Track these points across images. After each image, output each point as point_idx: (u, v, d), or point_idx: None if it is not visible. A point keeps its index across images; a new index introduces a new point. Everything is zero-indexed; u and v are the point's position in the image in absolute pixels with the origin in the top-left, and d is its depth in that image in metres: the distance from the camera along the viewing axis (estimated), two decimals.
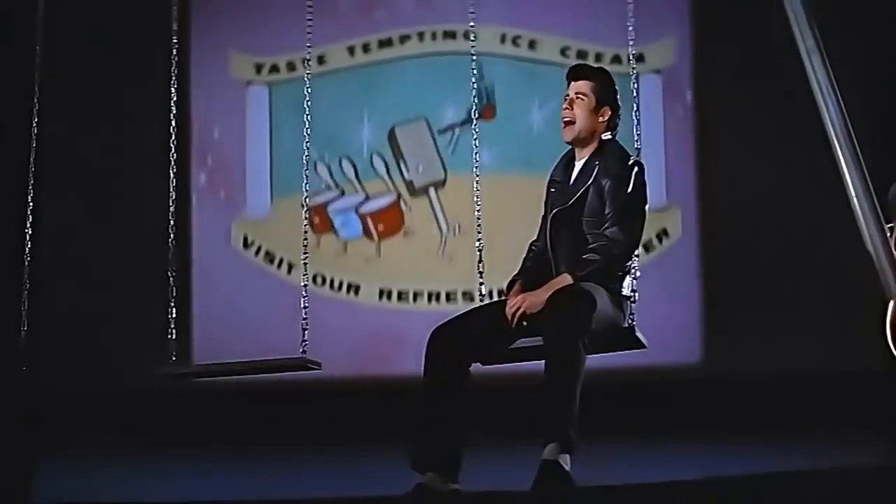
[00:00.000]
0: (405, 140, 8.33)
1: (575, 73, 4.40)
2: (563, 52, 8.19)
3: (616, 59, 7.86)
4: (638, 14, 4.52)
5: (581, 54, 8.13)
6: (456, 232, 8.16)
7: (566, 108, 4.33)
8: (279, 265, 8.24)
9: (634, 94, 4.43)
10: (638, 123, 4.37)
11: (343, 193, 8.30)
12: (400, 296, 8.18)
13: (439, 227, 8.26)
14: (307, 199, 4.67)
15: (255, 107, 8.44)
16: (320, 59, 8.19)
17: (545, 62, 8.16)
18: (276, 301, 7.94)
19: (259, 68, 8.43)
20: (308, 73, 4.80)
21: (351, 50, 8.39)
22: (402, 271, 8.18)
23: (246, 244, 8.35)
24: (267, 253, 8.30)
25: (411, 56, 8.40)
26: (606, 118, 4.34)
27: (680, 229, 7.98)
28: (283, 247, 8.21)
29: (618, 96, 4.38)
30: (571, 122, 4.31)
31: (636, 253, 4.25)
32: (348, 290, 8.22)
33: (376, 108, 8.37)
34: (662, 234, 7.95)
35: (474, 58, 4.61)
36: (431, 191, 8.28)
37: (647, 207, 4.26)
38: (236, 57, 8.41)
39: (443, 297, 8.10)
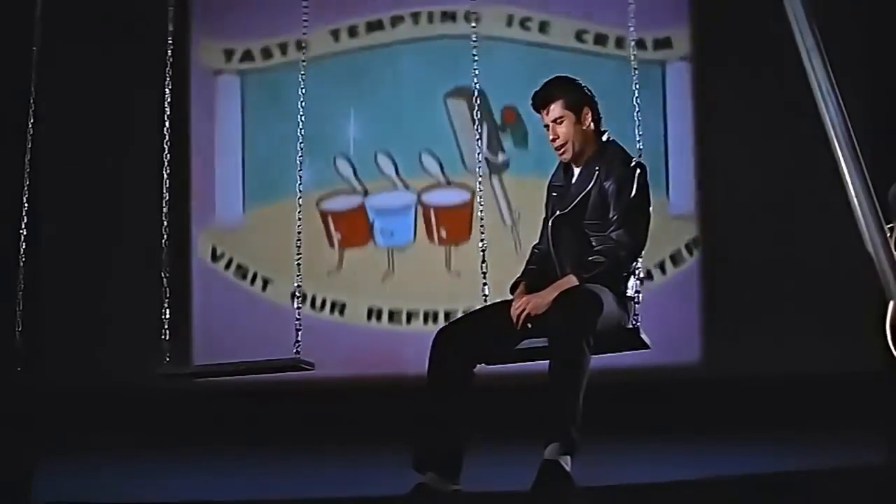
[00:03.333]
0: (460, 113, 7.29)
1: (540, 101, 4.30)
2: (579, 36, 7.41)
3: (640, 44, 6.95)
4: None
5: (599, 38, 7.36)
6: (517, 222, 7.28)
7: (553, 138, 4.28)
8: (252, 281, 7.47)
9: (635, 91, 4.38)
10: (639, 125, 4.33)
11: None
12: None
13: (503, 219, 7.37)
14: (300, 200, 4.47)
15: (224, 99, 7.57)
16: (299, 45, 7.12)
17: (558, 48, 7.40)
18: (267, 318, 7.50)
19: (229, 55, 7.59)
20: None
21: (335, 34, 7.54)
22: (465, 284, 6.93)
23: (214, 257, 7.55)
24: (239, 267, 7.53)
25: (405, 41, 7.60)
26: (591, 118, 4.30)
27: None
28: (257, 259, 7.43)
29: (584, 88, 4.32)
30: (564, 144, 4.28)
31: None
32: (388, 317, 7.50)
33: (364, 102, 7.56)
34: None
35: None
36: (495, 179, 7.33)
37: (650, 209, 4.26)
38: (204, 42, 7.56)
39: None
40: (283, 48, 7.69)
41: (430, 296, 7.63)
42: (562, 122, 4.27)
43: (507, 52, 7.39)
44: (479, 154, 4.57)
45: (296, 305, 4.37)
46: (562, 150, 4.29)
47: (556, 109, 4.27)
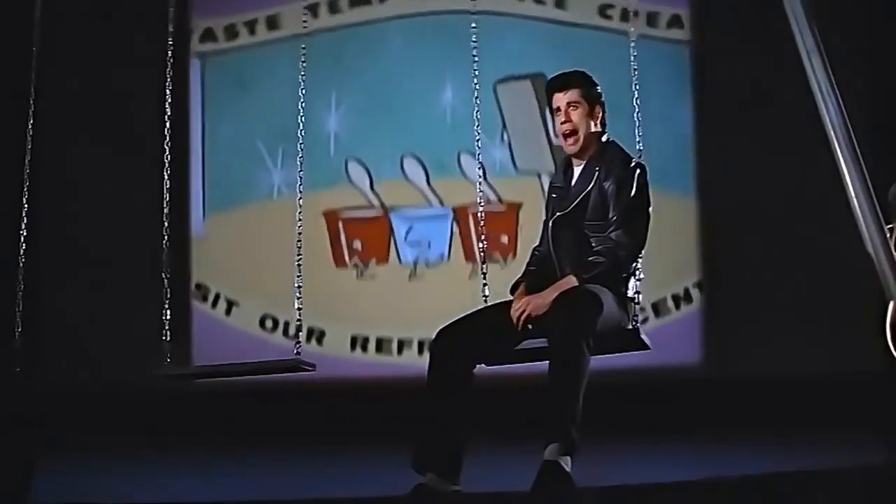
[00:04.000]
0: (509, 103, 6.28)
1: (561, 85, 4.33)
2: (603, 11, 6.56)
3: (675, 21, 6.63)
4: None
5: (627, 15, 6.41)
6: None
7: (565, 122, 4.29)
8: (214, 304, 6.58)
9: (635, 92, 4.39)
10: (639, 125, 4.33)
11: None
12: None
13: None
14: (301, 202, 4.37)
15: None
16: (271, 23, 6.50)
17: (577, 25, 6.59)
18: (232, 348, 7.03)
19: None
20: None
21: (314, 9, 6.63)
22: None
23: None
24: (199, 286, 6.65)
25: (395, 17, 6.72)
26: (600, 117, 4.33)
27: None
28: (220, 277, 6.50)
29: (599, 89, 4.35)
30: (574, 133, 4.28)
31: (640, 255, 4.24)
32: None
33: (346, 87, 6.69)
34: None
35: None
36: (543, 178, 6.36)
37: (650, 209, 4.26)
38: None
39: None
40: (251, 26, 6.73)
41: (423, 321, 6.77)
42: (577, 108, 4.28)
43: (517, 30, 6.54)
44: (478, 155, 4.56)
45: (296, 306, 4.37)
46: (570, 136, 4.28)
47: (574, 94, 4.29)
